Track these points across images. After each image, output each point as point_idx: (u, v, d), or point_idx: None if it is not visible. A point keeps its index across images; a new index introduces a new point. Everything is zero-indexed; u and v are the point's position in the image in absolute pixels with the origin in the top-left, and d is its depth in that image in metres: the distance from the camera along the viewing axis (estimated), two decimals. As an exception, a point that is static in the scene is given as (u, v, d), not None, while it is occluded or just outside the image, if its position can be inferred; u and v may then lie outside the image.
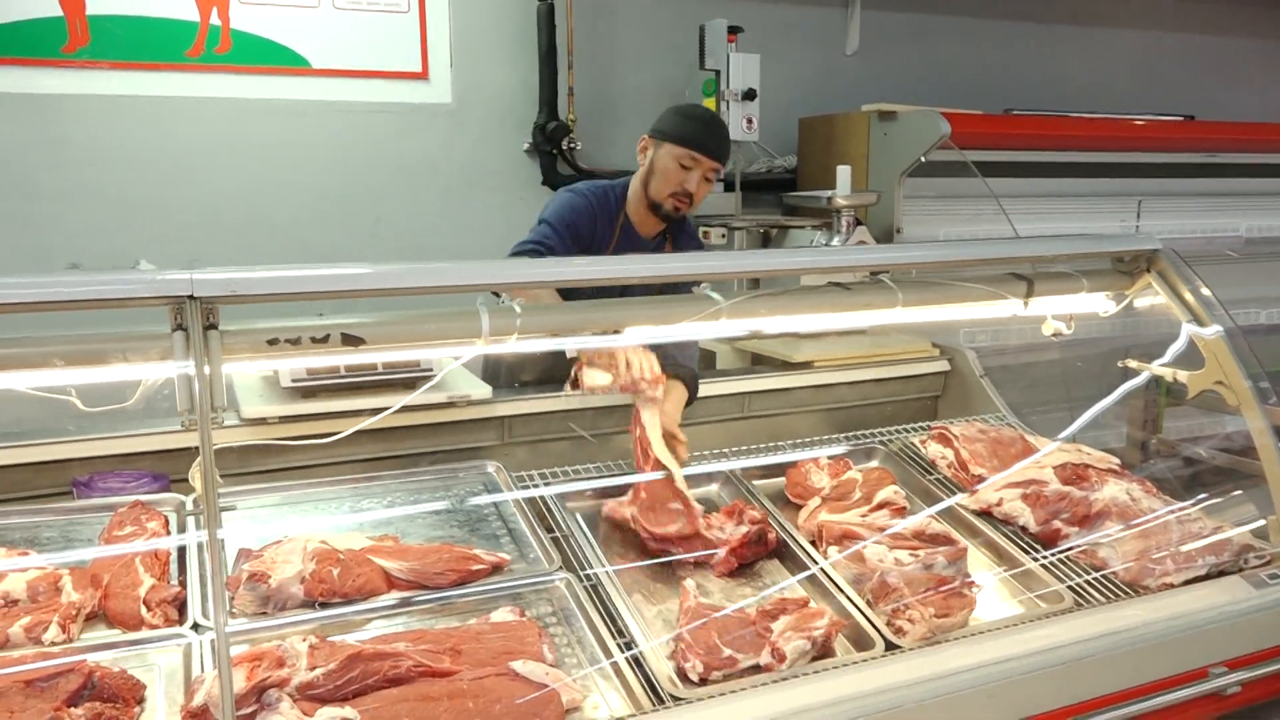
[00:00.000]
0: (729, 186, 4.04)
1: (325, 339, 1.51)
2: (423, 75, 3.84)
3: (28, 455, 2.11)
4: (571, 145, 4.02)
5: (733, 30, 3.83)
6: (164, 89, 3.50)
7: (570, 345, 1.89)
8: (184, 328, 1.38)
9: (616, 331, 1.86)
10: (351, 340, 1.53)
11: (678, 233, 2.76)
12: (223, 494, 1.93)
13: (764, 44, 3.93)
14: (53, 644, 1.53)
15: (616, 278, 1.87)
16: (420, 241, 3.92)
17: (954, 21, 4.85)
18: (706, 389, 2.68)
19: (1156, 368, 2.23)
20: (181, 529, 1.93)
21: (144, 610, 1.61)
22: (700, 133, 2.55)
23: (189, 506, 1.98)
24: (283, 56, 3.62)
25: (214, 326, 1.41)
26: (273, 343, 1.48)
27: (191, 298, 1.38)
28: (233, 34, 3.54)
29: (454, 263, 1.67)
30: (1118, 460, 2.28)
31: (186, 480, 1.54)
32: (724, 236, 3.66)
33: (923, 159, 3.62)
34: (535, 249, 2.52)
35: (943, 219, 3.92)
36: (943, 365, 3.07)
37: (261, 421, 2.26)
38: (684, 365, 2.45)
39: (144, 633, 1.59)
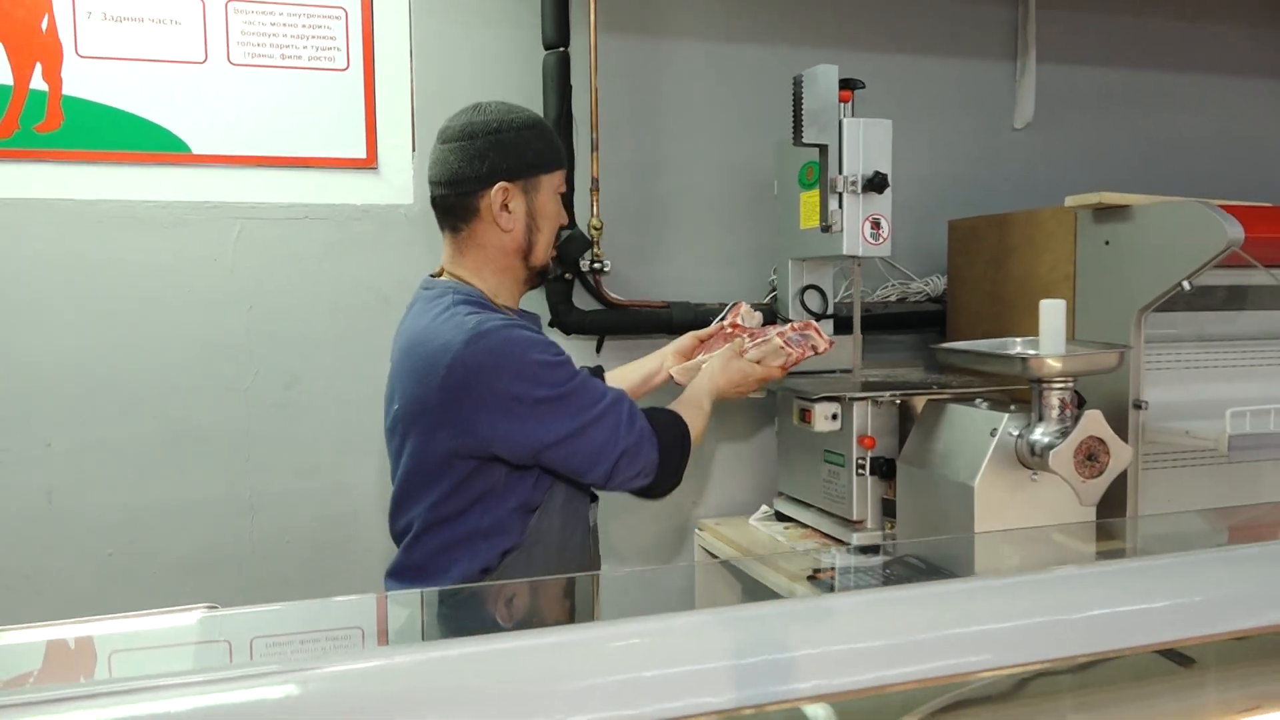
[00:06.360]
0: (842, 325, 2.57)
1: None
2: (369, 164, 2.53)
3: None
4: (597, 265, 2.63)
5: (847, 85, 2.41)
6: (-50, 187, 2.26)
7: None
8: None
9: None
10: None
11: None
12: None
13: (886, 112, 2.47)
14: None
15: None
16: (362, 416, 2.54)
17: (1167, 81, 3.34)
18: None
19: None
20: None
21: None
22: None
23: None
24: (147, 137, 2.35)
25: None
26: None
27: None
28: (66, 103, 2.29)
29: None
30: None
31: None
32: (835, 418, 2.17)
33: (1187, 285, 2.09)
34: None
35: (1204, 377, 2.36)
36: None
37: None
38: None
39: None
